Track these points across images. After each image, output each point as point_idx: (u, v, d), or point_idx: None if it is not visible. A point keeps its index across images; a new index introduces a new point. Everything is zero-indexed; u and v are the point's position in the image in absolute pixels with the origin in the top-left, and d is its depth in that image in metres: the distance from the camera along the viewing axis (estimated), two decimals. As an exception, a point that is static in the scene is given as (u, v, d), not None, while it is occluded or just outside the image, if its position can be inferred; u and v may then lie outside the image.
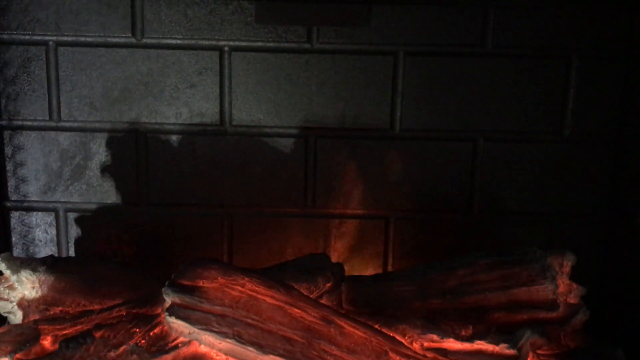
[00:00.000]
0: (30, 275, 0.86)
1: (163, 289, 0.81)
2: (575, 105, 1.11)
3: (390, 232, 1.15)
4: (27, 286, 0.86)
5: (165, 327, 0.81)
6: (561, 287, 0.89)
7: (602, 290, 1.10)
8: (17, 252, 1.17)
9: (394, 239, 1.15)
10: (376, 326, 0.84)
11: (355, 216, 1.15)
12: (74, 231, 1.16)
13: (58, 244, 1.16)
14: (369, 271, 1.15)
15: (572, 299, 0.90)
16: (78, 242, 1.16)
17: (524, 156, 1.12)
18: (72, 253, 1.16)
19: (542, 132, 1.12)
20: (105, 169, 1.14)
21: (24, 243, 1.17)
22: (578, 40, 1.09)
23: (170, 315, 0.79)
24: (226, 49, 1.10)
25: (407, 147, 1.12)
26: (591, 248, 1.13)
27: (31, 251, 1.17)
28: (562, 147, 1.12)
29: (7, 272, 0.87)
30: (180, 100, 1.11)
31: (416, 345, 0.83)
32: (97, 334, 0.78)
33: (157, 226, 1.15)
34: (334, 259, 1.14)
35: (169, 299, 0.80)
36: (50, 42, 1.09)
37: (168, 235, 1.15)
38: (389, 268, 1.16)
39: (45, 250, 1.17)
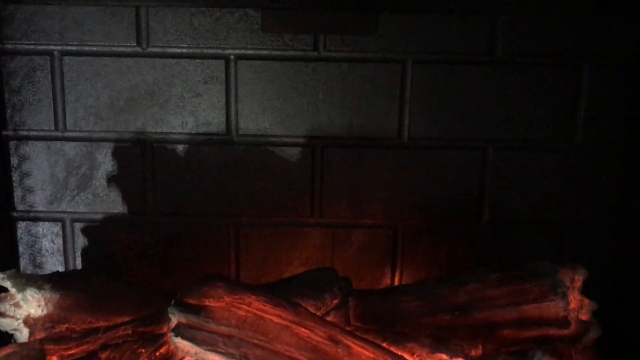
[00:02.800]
0: (36, 293, 0.86)
1: (169, 309, 0.80)
2: (587, 113, 1.09)
3: (399, 242, 1.14)
4: (33, 304, 0.86)
5: (172, 347, 0.80)
6: (572, 303, 0.88)
7: (613, 302, 1.08)
8: (24, 262, 1.17)
9: (402, 248, 1.14)
10: (384, 344, 0.83)
11: (363, 226, 1.14)
12: (81, 241, 1.16)
13: (65, 254, 1.16)
14: (377, 281, 1.14)
15: (584, 315, 0.88)
16: (85, 252, 1.16)
17: (534, 165, 1.11)
18: (79, 263, 1.16)
19: (553, 141, 1.10)
20: (111, 179, 1.13)
21: (30, 253, 1.17)
22: (589, 48, 1.07)
23: (176, 335, 0.78)
24: (232, 57, 1.08)
25: (415, 156, 1.11)
26: (603, 258, 1.11)
27: (38, 261, 1.17)
28: (573, 156, 1.10)
29: (12, 290, 0.87)
30: (186, 109, 1.10)
31: (424, 364, 0.82)
32: (103, 355, 0.78)
33: (163, 236, 1.14)
34: (341, 270, 1.13)
35: (174, 318, 0.80)
36: (55, 52, 1.08)
37: (175, 245, 1.15)
38: (397, 278, 1.15)
39: (52, 260, 1.17)
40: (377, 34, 1.06)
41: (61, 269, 1.16)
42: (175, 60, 1.08)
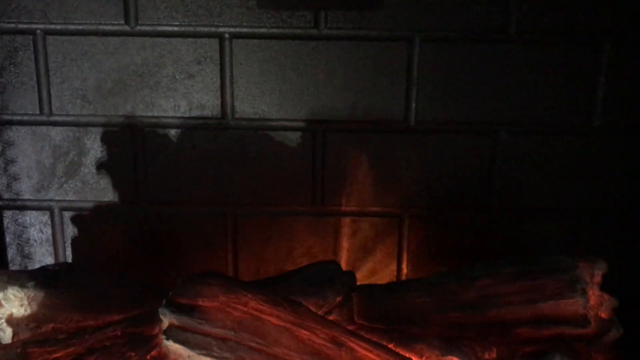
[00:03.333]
0: (18, 292, 0.80)
1: (160, 309, 0.75)
2: (606, 95, 1.02)
3: (404, 231, 1.09)
4: (15, 304, 0.80)
5: (164, 350, 0.75)
6: (592, 299, 0.83)
7: (631, 296, 1.03)
8: (11, 252, 1.12)
9: (408, 238, 1.09)
10: (391, 346, 0.78)
11: (366, 214, 1.08)
12: (70, 230, 1.10)
13: (54, 243, 1.11)
14: (382, 273, 1.09)
15: (604, 313, 0.83)
16: (75, 242, 1.11)
17: (549, 150, 1.04)
18: (69, 253, 1.11)
19: (569, 124, 1.04)
20: (101, 166, 1.08)
21: (18, 243, 1.12)
22: (609, 24, 1.00)
23: (167, 338, 0.73)
24: (227, 36, 1.02)
25: (423, 140, 1.05)
26: (621, 249, 1.05)
27: (26, 251, 1.12)
28: (590, 140, 1.04)
29: (-7, 288, 0.82)
30: (178, 92, 1.04)
31: (434, 366, 0.77)
32: (90, 359, 0.73)
33: (156, 225, 1.09)
34: (344, 260, 1.09)
35: (166, 320, 0.75)
36: (38, 31, 1.02)
37: (168, 235, 1.09)
38: (403, 268, 1.10)
39: (41, 250, 1.12)
40: (382, 10, 0.99)
41: (51, 259, 1.12)
42: (166, 39, 1.02)
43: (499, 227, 1.07)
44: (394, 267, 1.10)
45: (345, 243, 1.09)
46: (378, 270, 1.10)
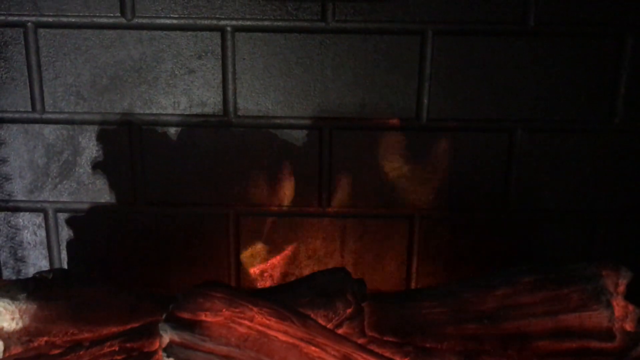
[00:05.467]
0: (9, 305, 0.76)
1: (160, 325, 0.70)
2: (628, 91, 0.97)
3: (415, 233, 1.04)
4: (6, 317, 0.76)
5: (164, 367, 0.71)
6: (617, 310, 0.78)
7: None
8: (4, 256, 1.07)
9: (419, 240, 1.04)
10: (405, 361, 0.73)
11: (375, 216, 1.04)
12: (65, 233, 1.06)
13: (48, 246, 1.07)
14: (392, 278, 1.04)
15: (629, 325, 0.79)
16: (70, 245, 1.06)
17: (568, 148, 1.00)
18: (64, 256, 1.07)
19: (589, 121, 0.99)
20: (96, 165, 1.03)
21: (11, 246, 1.07)
22: (632, 16, 0.94)
23: (168, 356, 0.69)
24: (229, 29, 0.96)
25: (435, 138, 1.00)
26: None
27: (19, 254, 1.07)
28: (611, 138, 0.99)
29: (-17, 301, 0.77)
30: (178, 88, 0.99)
31: (451, 383, 0.73)
32: (85, 378, 0.69)
33: (155, 228, 1.04)
34: (351, 264, 1.05)
35: (166, 336, 0.70)
36: (29, 24, 0.97)
37: (167, 237, 1.05)
38: (414, 272, 1.05)
39: (35, 253, 1.07)
40: (393, 1, 0.94)
41: (45, 262, 1.08)
42: (165, 32, 0.97)
43: (514, 228, 1.03)
44: (403, 270, 1.05)
45: (352, 245, 1.05)
46: (387, 273, 1.05)
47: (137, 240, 1.05)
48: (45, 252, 1.07)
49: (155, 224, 1.04)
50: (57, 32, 0.97)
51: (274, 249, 1.05)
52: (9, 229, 1.06)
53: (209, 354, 0.69)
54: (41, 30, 0.97)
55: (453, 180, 1.02)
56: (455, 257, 1.04)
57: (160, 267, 1.05)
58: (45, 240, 1.07)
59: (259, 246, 1.06)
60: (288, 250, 1.06)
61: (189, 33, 0.97)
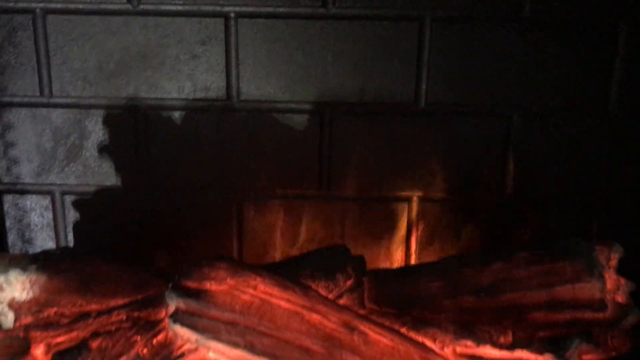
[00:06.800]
0: (20, 275, 0.78)
1: (166, 293, 0.73)
2: (622, 78, 1.00)
3: (414, 218, 1.06)
4: (17, 287, 0.78)
5: (170, 334, 0.73)
6: (608, 283, 0.80)
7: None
8: (12, 237, 1.09)
9: (417, 224, 1.07)
10: (403, 330, 0.76)
11: (375, 199, 1.06)
12: (72, 215, 1.08)
13: (55, 228, 1.09)
14: (391, 260, 1.06)
15: (620, 297, 0.81)
16: (76, 227, 1.09)
17: (563, 134, 1.02)
18: (70, 238, 1.09)
19: (584, 108, 1.01)
20: (102, 149, 1.05)
21: (18, 228, 1.09)
22: (627, 5, 0.97)
23: (174, 322, 0.71)
24: (232, 15, 0.99)
25: (433, 124, 1.02)
26: (636, 236, 1.03)
27: (27, 236, 1.10)
28: (606, 125, 1.01)
29: (-6, 272, 0.79)
30: (182, 73, 1.01)
31: (447, 351, 0.75)
32: (94, 344, 0.71)
33: (159, 211, 1.07)
34: (351, 246, 1.06)
35: (173, 303, 0.72)
36: (38, 10, 0.99)
37: (171, 220, 1.07)
38: (412, 255, 1.07)
39: (42, 235, 1.09)
40: (393, -11, 0.97)
41: (52, 244, 1.10)
42: (170, 18, 0.99)
43: (511, 214, 1.05)
44: (402, 253, 1.08)
45: (352, 228, 1.07)
46: (386, 256, 1.07)
47: (142, 223, 1.07)
48: (52, 233, 1.09)
49: (159, 207, 1.07)
50: (65, 18, 0.99)
51: (275, 232, 1.08)
52: (17, 211, 1.09)
53: (214, 320, 0.71)
54: (49, 17, 0.99)
55: (450, 165, 1.04)
56: (452, 241, 1.06)
57: (164, 249, 1.07)
58: (52, 222, 1.09)
59: (261, 229, 1.08)
60: (289, 234, 1.08)
61: (193, 19, 0.99)
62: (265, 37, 1.00)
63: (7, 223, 1.09)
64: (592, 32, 0.98)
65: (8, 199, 1.08)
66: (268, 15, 0.99)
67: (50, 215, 1.09)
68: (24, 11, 0.99)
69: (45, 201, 1.08)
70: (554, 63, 0.99)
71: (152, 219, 1.07)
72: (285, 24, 1.00)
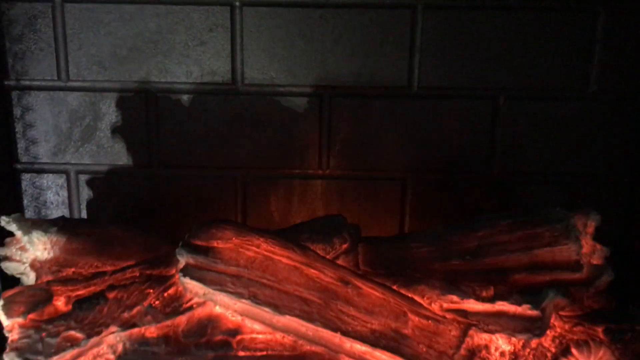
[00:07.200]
0: (42, 236, 0.85)
1: (177, 250, 0.79)
2: (601, 61, 1.06)
3: (407, 194, 1.13)
4: (39, 247, 0.85)
5: (180, 288, 0.79)
6: (585, 247, 0.86)
7: (626, 252, 1.07)
8: (28, 214, 1.16)
9: (411, 201, 1.13)
10: (394, 287, 0.82)
11: (371, 178, 1.12)
12: (86, 193, 1.15)
13: (70, 206, 1.15)
14: (385, 234, 1.12)
15: (596, 260, 0.87)
16: (90, 204, 1.15)
17: (547, 114, 1.08)
18: (84, 215, 1.15)
19: (566, 89, 1.08)
20: (115, 130, 1.12)
21: (35, 205, 1.16)
22: (605, -8, 1.04)
23: (184, 275, 0.77)
24: (237, 4, 1.06)
25: (425, 105, 1.09)
26: (616, 210, 1.09)
27: (43, 214, 1.16)
28: (586, 105, 1.08)
29: (18, 233, 0.86)
30: (190, 58, 1.08)
31: (435, 307, 0.81)
32: (111, 295, 0.77)
33: (169, 188, 1.13)
34: (349, 222, 1.13)
35: (182, 259, 0.79)
36: (57, -1, 1.06)
37: (180, 197, 1.13)
38: (406, 230, 1.13)
39: (57, 212, 1.16)
40: (387, -21, 1.04)
41: (66, 222, 1.15)
42: (179, 7, 1.06)
43: (499, 190, 1.11)
44: (396, 227, 1.14)
45: (349, 205, 1.13)
46: (382, 231, 1.13)
47: (152, 200, 1.13)
48: (67, 211, 1.15)
49: (169, 185, 1.13)
50: (82, 6, 1.06)
51: (277, 208, 1.14)
52: (34, 189, 1.15)
53: (221, 273, 0.77)
54: (67, 5, 1.06)
55: (442, 144, 1.10)
56: (444, 215, 1.12)
57: (173, 224, 1.13)
58: (67, 200, 1.15)
59: (264, 205, 1.14)
60: (290, 210, 1.14)
61: (201, 7, 1.06)
62: (268, 24, 1.07)
63: (25, 201, 1.16)
64: (573, 18, 1.05)
65: (26, 177, 1.15)
66: (271, 4, 1.06)
67: (65, 193, 1.15)
68: (44, 0, 1.06)
69: (61, 180, 1.14)
70: (537, 47, 1.06)
71: (161, 196, 1.13)
72: (287, 12, 1.06)
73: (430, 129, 1.10)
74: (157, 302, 0.78)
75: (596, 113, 1.08)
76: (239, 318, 0.79)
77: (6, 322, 0.76)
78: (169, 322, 0.78)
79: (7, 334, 0.76)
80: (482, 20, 1.05)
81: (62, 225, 0.87)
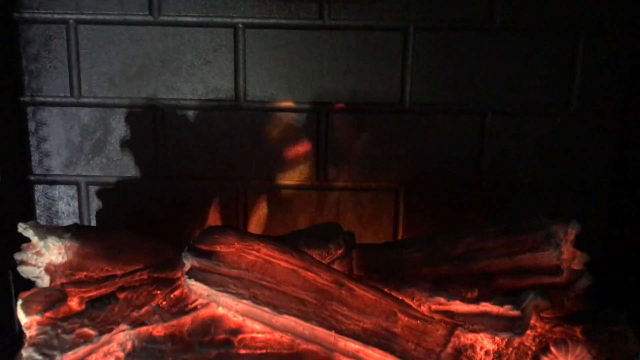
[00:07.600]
0: (57, 241, 0.90)
1: (182, 253, 0.85)
2: (582, 79, 1.12)
3: (400, 205, 1.18)
4: (54, 252, 0.90)
5: (185, 290, 0.85)
6: (565, 253, 0.92)
7: (606, 260, 1.13)
8: (41, 224, 1.20)
9: (403, 211, 1.18)
10: (386, 289, 0.87)
11: (365, 189, 1.18)
12: (95, 204, 1.20)
13: (80, 216, 1.21)
14: (379, 241, 1.17)
15: (576, 266, 0.93)
16: (99, 214, 1.20)
17: (532, 129, 1.14)
18: (93, 224, 1.20)
19: (549, 106, 1.14)
20: (124, 144, 1.18)
21: (47, 215, 1.21)
22: (585, 15, 1.10)
23: (189, 277, 0.83)
24: (240, 26, 1.12)
25: (417, 120, 1.15)
26: (597, 219, 1.15)
27: (54, 223, 1.21)
28: (569, 121, 1.14)
29: (34, 239, 0.92)
30: (196, 76, 1.14)
31: (424, 308, 0.86)
32: (121, 296, 0.83)
33: (174, 198, 1.19)
34: (344, 229, 1.18)
35: (188, 262, 0.85)
36: (71, 20, 1.12)
37: (185, 207, 1.19)
38: (399, 239, 1.19)
39: (68, 222, 1.21)
40: (380, 2, 1.10)
41: (76, 231, 1.21)
42: (186, 28, 1.13)
43: (487, 201, 1.16)
44: (389, 237, 1.19)
45: (345, 215, 1.19)
46: (375, 239, 1.18)
47: (159, 209, 1.19)
48: (77, 220, 1.21)
49: (174, 196, 1.19)
50: (95, 27, 1.13)
51: (277, 217, 1.20)
52: (46, 200, 1.21)
53: (223, 275, 0.83)
54: (81, 26, 1.13)
55: (433, 157, 1.16)
56: (435, 225, 1.18)
57: (178, 232, 1.19)
58: (77, 211, 1.21)
59: (264, 215, 1.20)
60: (289, 220, 1.20)
61: (207, 29, 1.13)
62: (268, 45, 1.13)
63: (37, 211, 1.21)
64: (556, 39, 1.11)
65: (39, 188, 1.21)
66: (272, 26, 1.12)
67: (76, 203, 1.21)
68: (59, 22, 1.13)
69: (72, 191, 1.20)
70: (522, 66, 1.12)
71: (168, 206, 1.19)
72: (286, 34, 1.13)
73: (421, 143, 1.16)
74: (164, 303, 0.83)
75: (577, 128, 1.14)
76: (240, 318, 0.84)
77: (24, 320, 0.82)
78: (174, 322, 0.83)
79: (25, 331, 0.82)
80: (470, 40, 1.12)
81: (75, 232, 0.93)
